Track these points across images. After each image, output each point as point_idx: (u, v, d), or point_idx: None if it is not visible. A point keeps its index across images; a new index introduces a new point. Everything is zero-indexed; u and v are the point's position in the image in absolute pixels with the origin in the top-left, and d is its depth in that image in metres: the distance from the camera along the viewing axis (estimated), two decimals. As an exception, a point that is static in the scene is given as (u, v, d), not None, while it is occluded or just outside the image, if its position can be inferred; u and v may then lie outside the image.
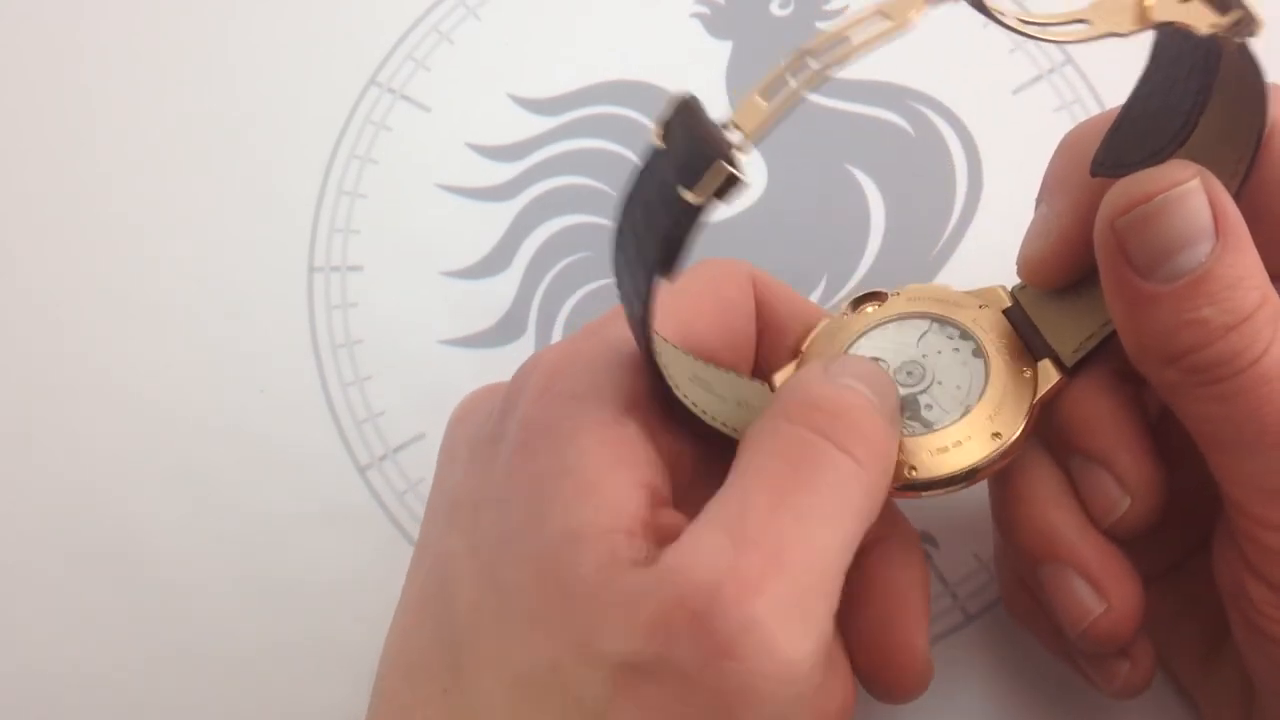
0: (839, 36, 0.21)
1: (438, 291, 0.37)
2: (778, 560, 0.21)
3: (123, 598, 0.34)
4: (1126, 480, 0.26)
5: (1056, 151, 0.28)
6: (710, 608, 0.20)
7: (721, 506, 0.22)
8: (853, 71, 0.39)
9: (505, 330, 0.36)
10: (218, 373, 0.36)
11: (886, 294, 0.29)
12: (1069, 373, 0.27)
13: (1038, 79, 0.38)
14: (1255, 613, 0.25)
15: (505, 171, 0.38)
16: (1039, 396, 0.27)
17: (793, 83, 0.21)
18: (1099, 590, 0.26)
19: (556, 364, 0.25)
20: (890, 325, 0.29)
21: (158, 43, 0.39)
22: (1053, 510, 0.27)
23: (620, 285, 0.24)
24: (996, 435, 0.26)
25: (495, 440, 0.25)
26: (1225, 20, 0.21)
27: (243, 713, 0.33)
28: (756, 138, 0.21)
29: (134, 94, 0.39)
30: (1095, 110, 0.37)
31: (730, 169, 0.20)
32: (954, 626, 0.33)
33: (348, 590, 0.33)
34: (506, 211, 0.37)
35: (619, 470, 0.23)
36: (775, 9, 0.40)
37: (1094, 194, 0.25)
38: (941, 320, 0.29)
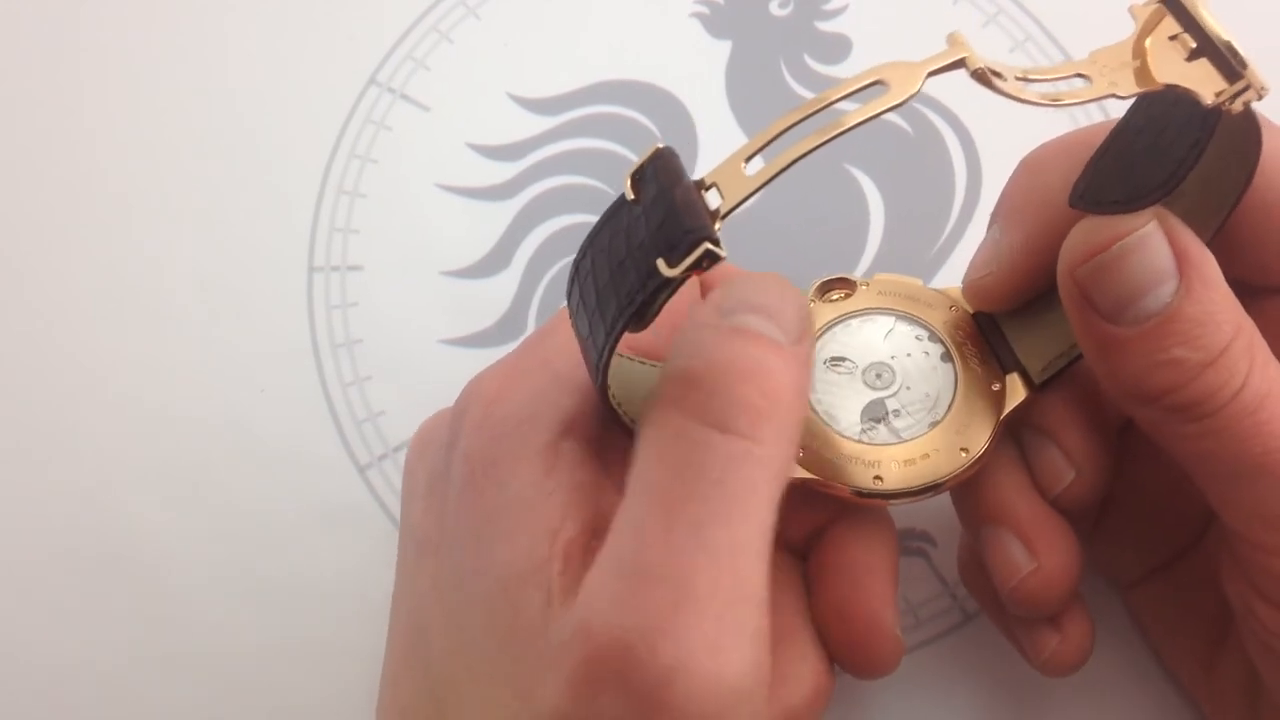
0: (832, 107, 0.21)
1: (438, 291, 0.37)
2: (686, 590, 0.19)
3: (122, 597, 0.34)
4: (1073, 454, 0.26)
5: (1015, 173, 0.28)
6: (627, 664, 0.19)
7: (617, 539, 0.21)
8: (853, 69, 0.39)
9: (505, 330, 0.36)
10: (217, 372, 0.36)
11: (855, 282, 0.29)
12: (1037, 390, 0.27)
13: (1037, 78, 0.38)
14: (1266, 634, 0.25)
15: (505, 171, 0.38)
16: (1006, 413, 0.27)
17: (780, 154, 0.20)
18: (1030, 549, 0.26)
19: (494, 392, 0.25)
20: (855, 319, 0.29)
21: (157, 42, 0.39)
22: (997, 474, 0.27)
23: (576, 325, 0.23)
24: (964, 450, 0.26)
25: (445, 476, 0.25)
26: (1232, 89, 0.21)
27: (243, 712, 0.33)
28: (734, 207, 0.20)
29: (133, 94, 0.39)
30: (1095, 109, 0.37)
31: (713, 249, 0.20)
32: (953, 626, 0.33)
33: (347, 589, 0.33)
34: (506, 211, 0.37)
35: (553, 499, 0.23)
36: (775, 9, 0.40)
37: (1049, 223, 0.26)
38: (910, 319, 0.28)
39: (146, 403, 0.35)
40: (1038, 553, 0.26)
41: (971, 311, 0.28)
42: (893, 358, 0.28)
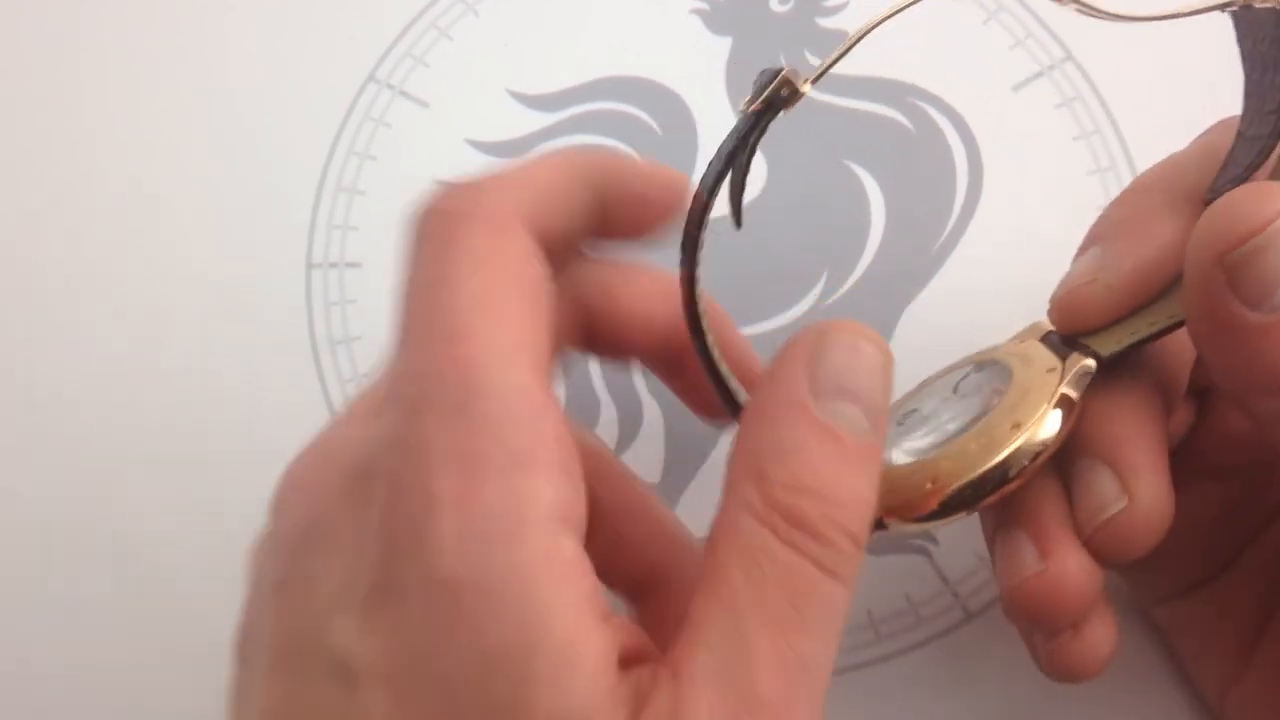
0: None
1: (437, 288, 0.36)
2: (797, 713, 0.20)
3: (121, 597, 0.34)
4: (1130, 481, 0.25)
5: (1125, 194, 0.28)
6: None
7: (718, 652, 0.20)
8: (852, 67, 0.39)
9: (504, 327, 0.36)
10: (216, 369, 0.36)
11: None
12: (1104, 364, 0.25)
13: (1038, 75, 0.38)
14: None
15: (504, 168, 0.38)
16: (1066, 379, 0.24)
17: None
18: (1041, 551, 0.25)
19: (456, 491, 0.20)
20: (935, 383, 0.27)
21: (156, 40, 0.39)
22: (1106, 405, 0.25)
23: None
24: (1016, 426, 0.24)
25: (385, 588, 0.20)
26: None
27: None
28: (827, 67, 0.21)
29: (131, 93, 0.39)
30: (1096, 107, 0.37)
31: (789, 79, 0.21)
32: (954, 625, 0.33)
33: (346, 588, 0.33)
34: (506, 208, 0.37)
35: (594, 631, 0.19)
36: (775, 5, 0.40)
37: (1166, 234, 0.25)
38: (981, 364, 0.27)
39: (144, 400, 0.35)
40: (1048, 554, 0.25)
41: (1044, 333, 0.27)
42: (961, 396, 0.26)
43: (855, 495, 0.21)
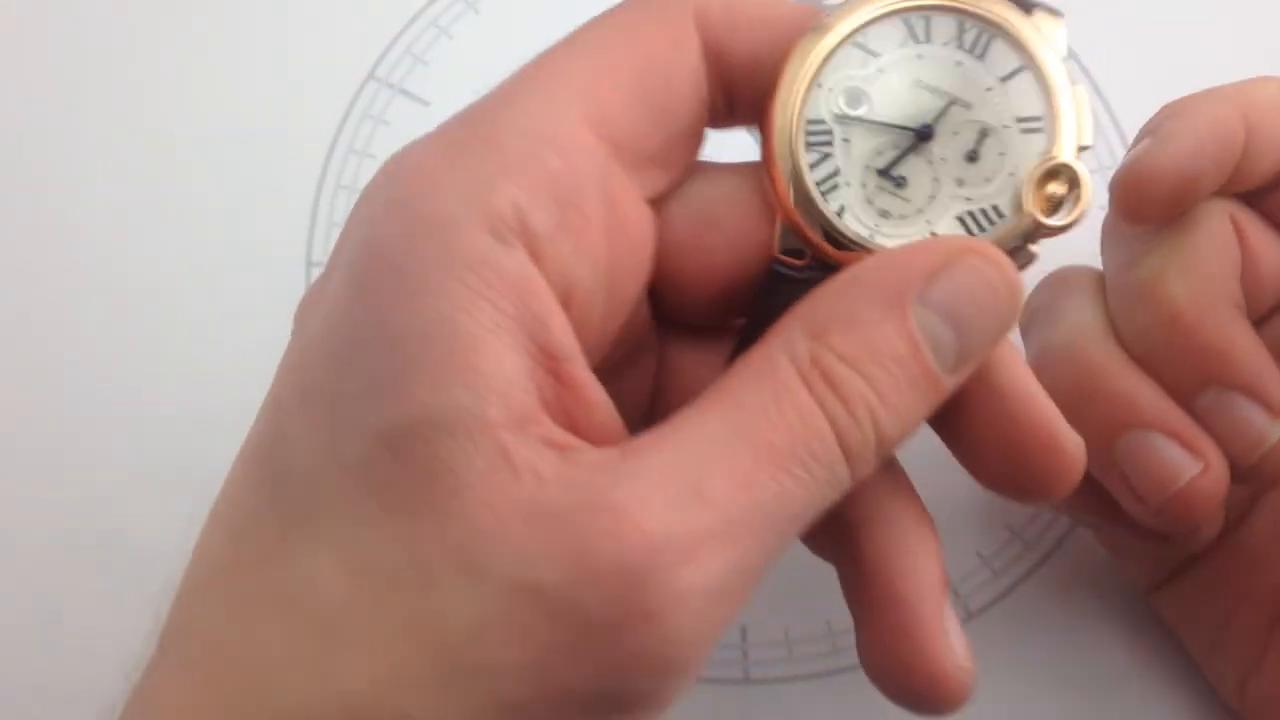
0: None
1: (436, 287, 0.36)
2: (735, 537, 0.18)
3: (121, 596, 0.34)
4: (1276, 403, 0.25)
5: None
6: (650, 564, 0.18)
7: (689, 446, 0.19)
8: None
9: (504, 326, 0.36)
10: (216, 369, 0.36)
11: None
12: None
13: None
14: None
15: (504, 167, 0.38)
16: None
17: None
18: (1193, 451, 0.25)
19: (421, 164, 0.20)
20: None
21: (155, 38, 0.39)
22: (1130, 377, 0.26)
23: None
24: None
25: (326, 276, 0.21)
26: None
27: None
28: None
29: (130, 90, 0.39)
30: (1097, 107, 0.37)
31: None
32: (955, 624, 0.33)
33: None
34: (506, 207, 0.37)
35: (502, 334, 0.19)
36: (776, 4, 0.39)
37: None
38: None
39: (144, 400, 0.35)
40: (1204, 452, 0.25)
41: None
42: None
43: (905, 408, 0.20)
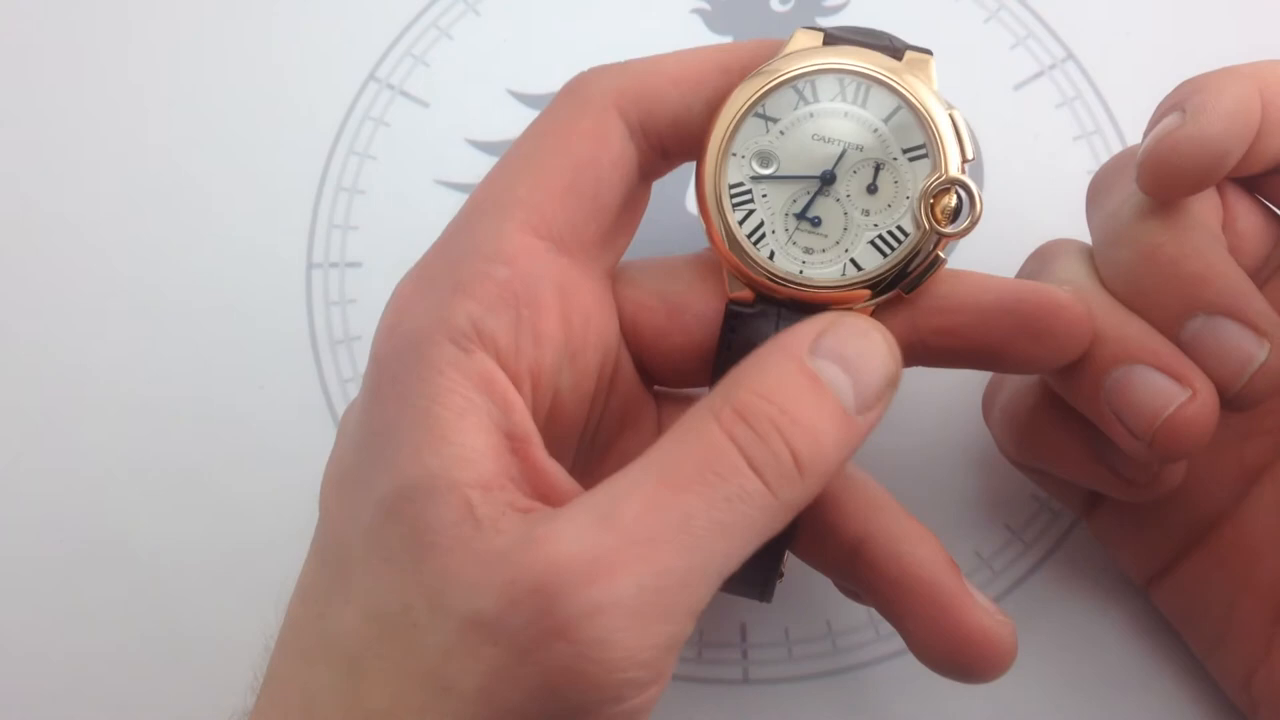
0: None
1: (437, 288, 0.36)
2: (644, 554, 0.21)
3: (120, 595, 0.34)
4: (1261, 324, 0.25)
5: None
6: (557, 584, 0.20)
7: (608, 486, 0.22)
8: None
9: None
10: (216, 369, 0.36)
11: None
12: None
13: (1039, 75, 0.38)
14: None
15: (504, 167, 0.38)
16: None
17: None
18: (1180, 379, 0.25)
19: (406, 295, 0.25)
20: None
21: (155, 38, 0.39)
22: (1115, 314, 0.26)
23: None
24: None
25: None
26: None
27: (242, 710, 0.33)
28: None
29: (130, 90, 0.39)
30: (1097, 107, 0.37)
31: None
32: (955, 624, 0.33)
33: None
34: (506, 208, 0.37)
35: (468, 417, 0.22)
36: (775, 4, 0.40)
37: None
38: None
39: (145, 400, 0.35)
40: (1191, 380, 0.25)
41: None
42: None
43: (814, 427, 0.22)
